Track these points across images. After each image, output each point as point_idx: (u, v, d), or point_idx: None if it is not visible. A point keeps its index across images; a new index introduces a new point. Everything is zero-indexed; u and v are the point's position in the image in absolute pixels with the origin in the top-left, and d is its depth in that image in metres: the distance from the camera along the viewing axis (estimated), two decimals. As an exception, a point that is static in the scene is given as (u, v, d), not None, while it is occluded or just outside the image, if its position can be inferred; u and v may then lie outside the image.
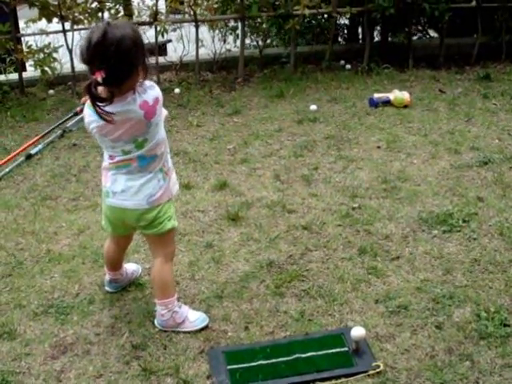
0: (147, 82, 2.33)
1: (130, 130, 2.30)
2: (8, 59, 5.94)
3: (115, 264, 2.84)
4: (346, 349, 2.47)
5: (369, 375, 2.34)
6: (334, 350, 2.47)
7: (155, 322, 2.66)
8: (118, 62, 2.15)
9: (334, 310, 2.72)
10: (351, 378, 2.33)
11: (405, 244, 3.23)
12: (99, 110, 2.20)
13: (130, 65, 2.21)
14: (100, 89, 2.20)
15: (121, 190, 2.44)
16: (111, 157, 2.43)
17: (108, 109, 2.21)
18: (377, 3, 6.29)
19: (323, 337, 2.55)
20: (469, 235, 3.27)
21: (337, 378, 2.33)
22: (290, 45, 6.58)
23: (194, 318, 2.65)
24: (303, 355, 2.43)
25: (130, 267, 2.99)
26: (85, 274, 3.07)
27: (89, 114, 2.34)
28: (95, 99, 2.19)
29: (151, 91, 2.32)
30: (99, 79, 2.13)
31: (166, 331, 2.62)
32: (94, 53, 2.15)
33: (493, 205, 3.59)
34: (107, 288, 2.90)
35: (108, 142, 2.38)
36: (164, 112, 2.48)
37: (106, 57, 2.14)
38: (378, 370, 2.35)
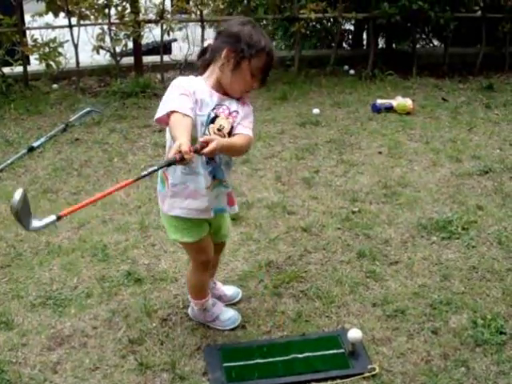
0: (191, 79, 2.33)
1: None
2: (17, 52, 5.92)
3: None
4: (343, 350, 2.47)
5: (364, 377, 2.34)
6: (330, 352, 2.47)
7: (188, 310, 2.70)
8: (218, 35, 2.36)
9: (332, 312, 2.73)
10: (347, 380, 2.34)
11: (403, 249, 3.24)
12: None
13: (220, 41, 2.30)
14: None
15: None
16: None
17: None
18: (383, 10, 6.31)
19: (320, 338, 2.56)
20: (467, 243, 3.28)
21: (332, 379, 2.34)
22: (295, 48, 6.60)
23: (226, 317, 2.64)
24: (300, 355, 2.43)
25: (223, 290, 2.83)
26: (84, 267, 3.07)
27: None
28: None
29: (183, 77, 2.33)
30: (208, 44, 2.36)
31: (163, 327, 2.63)
32: None
33: (492, 213, 3.60)
34: None
35: None
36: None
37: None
38: (373, 372, 2.35)
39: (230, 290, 2.84)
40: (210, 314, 2.63)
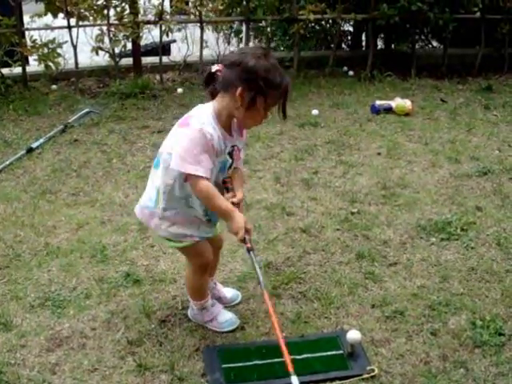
0: (207, 127, 2.25)
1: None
2: (16, 53, 5.91)
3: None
4: (341, 352, 2.47)
5: (363, 379, 2.34)
6: (329, 353, 2.47)
7: (188, 311, 2.70)
8: (230, 65, 2.26)
9: (331, 313, 2.72)
10: (346, 381, 2.33)
11: (402, 250, 3.24)
12: None
13: (234, 76, 2.24)
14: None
15: None
16: None
17: None
18: (382, 11, 6.32)
19: (319, 339, 2.55)
20: (466, 244, 3.28)
21: (331, 380, 2.34)
22: (294, 49, 6.60)
23: (223, 319, 2.64)
24: (298, 357, 2.42)
25: (223, 292, 2.82)
26: (82, 268, 3.07)
27: None
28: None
29: (197, 123, 2.25)
30: (216, 69, 2.30)
31: (161, 328, 2.63)
32: None
33: (491, 215, 3.60)
34: None
35: None
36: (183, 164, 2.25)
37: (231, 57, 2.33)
38: (372, 373, 2.35)
39: (229, 293, 2.83)
40: (208, 313, 2.63)
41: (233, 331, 2.61)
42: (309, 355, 2.45)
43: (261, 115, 2.31)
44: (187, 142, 2.24)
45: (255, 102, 2.24)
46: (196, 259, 2.54)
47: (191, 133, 2.25)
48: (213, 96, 2.35)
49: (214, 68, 2.31)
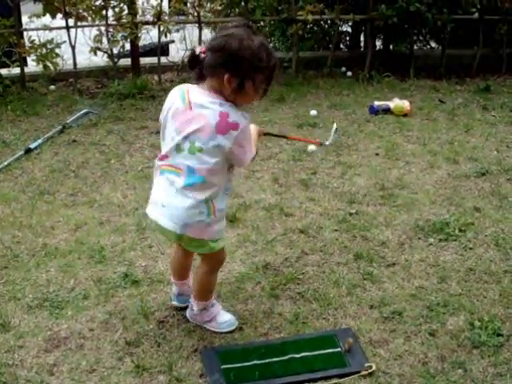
0: (246, 113, 2.28)
1: (197, 128, 2.24)
2: (14, 54, 5.90)
3: (181, 271, 2.70)
4: (339, 349, 2.48)
5: (362, 376, 2.34)
6: (327, 351, 2.48)
7: (186, 312, 2.68)
8: (214, 50, 2.22)
9: (329, 314, 2.73)
10: (346, 378, 2.34)
11: (401, 251, 3.24)
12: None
13: (219, 61, 2.21)
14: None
15: (161, 203, 2.36)
16: (164, 157, 2.36)
17: (192, 96, 2.29)
18: (380, 11, 6.32)
19: (316, 337, 2.56)
20: (465, 244, 3.29)
21: (330, 378, 2.34)
22: (292, 50, 6.61)
23: (222, 320, 2.64)
24: (297, 355, 2.44)
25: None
26: (80, 269, 3.07)
27: (175, 95, 2.38)
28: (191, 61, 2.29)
29: (241, 117, 2.24)
30: (199, 51, 2.24)
31: (160, 329, 2.62)
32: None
33: (489, 215, 3.61)
34: (174, 302, 2.74)
35: (172, 130, 2.32)
36: (245, 157, 2.34)
37: (214, 41, 2.25)
38: (370, 370, 2.35)
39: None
40: (208, 313, 2.62)
41: (231, 332, 2.61)
42: (307, 354, 2.45)
43: (251, 96, 2.31)
44: (249, 137, 2.33)
45: (243, 86, 2.23)
46: (218, 259, 2.56)
47: (245, 127, 2.27)
48: (199, 78, 2.31)
49: (198, 50, 2.27)
